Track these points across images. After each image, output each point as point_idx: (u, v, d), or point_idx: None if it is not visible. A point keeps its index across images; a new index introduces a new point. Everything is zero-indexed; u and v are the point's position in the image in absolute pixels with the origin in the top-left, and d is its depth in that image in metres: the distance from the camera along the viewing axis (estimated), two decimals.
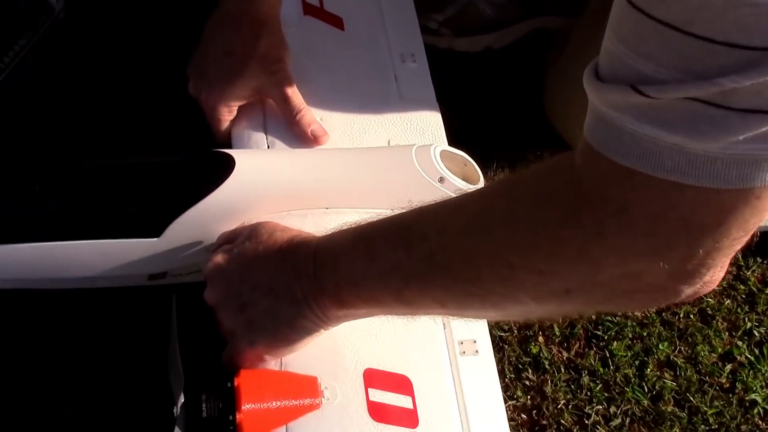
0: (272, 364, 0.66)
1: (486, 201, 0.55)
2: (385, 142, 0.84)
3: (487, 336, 0.73)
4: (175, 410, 0.63)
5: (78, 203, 0.69)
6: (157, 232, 0.70)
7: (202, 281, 0.67)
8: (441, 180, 0.74)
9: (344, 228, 0.63)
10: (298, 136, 0.81)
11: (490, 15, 1.04)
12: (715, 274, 0.46)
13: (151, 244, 0.71)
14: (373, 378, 0.67)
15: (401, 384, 0.67)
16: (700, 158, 0.39)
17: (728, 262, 0.46)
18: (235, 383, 0.63)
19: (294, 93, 0.82)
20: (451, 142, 0.83)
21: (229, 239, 0.69)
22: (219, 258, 0.66)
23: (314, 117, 0.82)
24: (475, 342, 0.72)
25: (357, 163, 0.75)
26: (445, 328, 0.72)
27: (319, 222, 0.73)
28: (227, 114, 0.83)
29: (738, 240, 0.43)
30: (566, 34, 1.01)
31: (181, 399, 0.63)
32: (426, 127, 0.86)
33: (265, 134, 0.82)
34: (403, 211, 0.59)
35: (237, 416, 0.61)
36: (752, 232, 0.44)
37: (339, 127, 0.84)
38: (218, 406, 0.63)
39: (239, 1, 0.84)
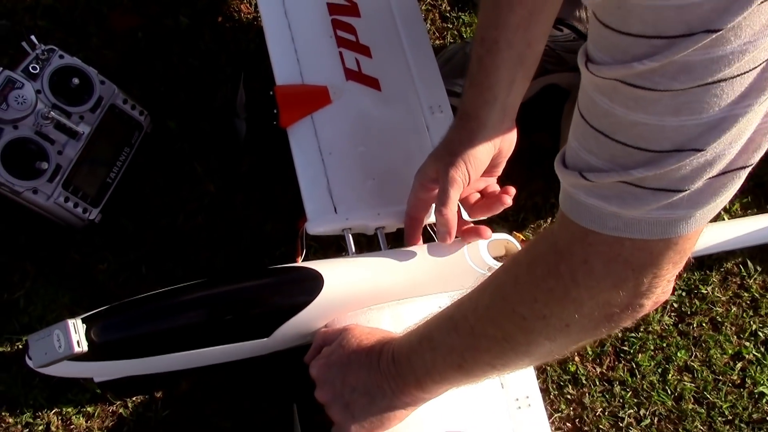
0: None
1: (501, 275, 0.72)
2: None
3: (537, 390, 0.91)
4: None
5: (215, 320, 0.87)
6: (267, 334, 0.89)
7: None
8: (490, 270, 0.91)
9: (410, 330, 0.81)
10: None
11: None
12: (665, 289, 0.62)
13: (264, 342, 0.89)
14: None
15: None
16: (631, 221, 0.55)
17: (673, 280, 0.62)
18: None
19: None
20: None
21: (326, 339, 0.88)
22: (322, 363, 0.85)
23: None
24: (528, 397, 0.90)
25: (420, 263, 0.92)
26: (503, 388, 0.90)
27: (394, 312, 0.91)
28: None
29: (673, 267, 0.59)
30: (578, 88, 1.14)
31: None
32: None
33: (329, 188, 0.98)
34: (449, 305, 0.77)
35: None
36: (684, 261, 0.60)
37: (387, 181, 1.00)
38: None
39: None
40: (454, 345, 0.74)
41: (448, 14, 1.32)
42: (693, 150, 0.50)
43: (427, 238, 0.99)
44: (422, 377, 0.78)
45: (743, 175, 0.53)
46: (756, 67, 0.47)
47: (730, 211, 1.22)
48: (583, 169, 0.56)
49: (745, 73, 0.47)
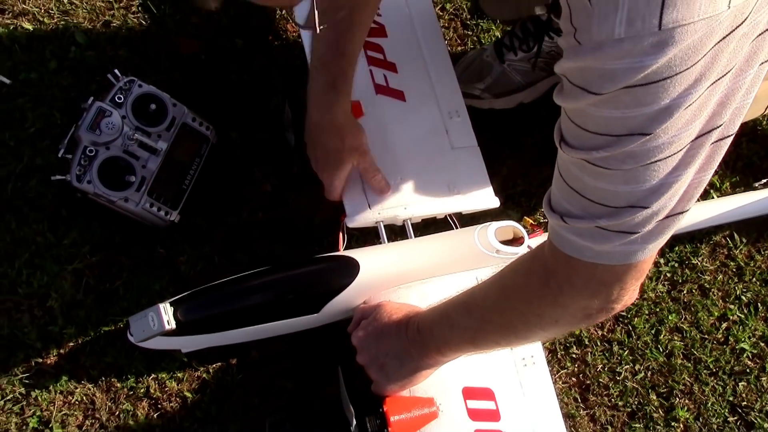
0: (405, 392, 1.06)
1: (504, 278, 0.91)
2: (446, 186, 1.20)
3: (540, 350, 1.11)
4: (351, 429, 1.04)
5: (276, 299, 1.08)
6: (317, 310, 1.10)
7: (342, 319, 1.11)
8: (497, 251, 1.10)
9: (433, 307, 1.01)
10: (373, 188, 1.18)
11: (519, 79, 1.34)
12: (632, 295, 0.80)
13: (314, 317, 1.11)
14: (468, 392, 1.06)
15: (486, 394, 1.07)
16: (601, 252, 0.73)
17: (638, 288, 0.80)
18: (384, 407, 1.03)
19: (371, 163, 1.18)
20: (492, 175, 1.20)
21: (364, 314, 1.08)
22: (361, 333, 1.06)
23: (382, 178, 1.17)
24: (532, 356, 1.10)
25: (440, 248, 1.12)
26: (511, 349, 1.10)
27: (420, 290, 1.11)
28: (339, 183, 1.19)
29: (636, 281, 0.78)
30: None
31: (354, 422, 1.04)
32: (472, 172, 1.23)
33: (363, 190, 1.20)
34: (464, 290, 0.97)
35: (389, 427, 1.02)
36: (644, 275, 0.78)
37: (412, 179, 1.20)
38: (377, 423, 1.04)
39: (321, 113, 1.16)
40: (468, 325, 0.94)
41: (468, 22, 1.49)
42: (641, 207, 0.68)
43: (445, 227, 1.18)
44: (442, 346, 0.98)
45: (682, 217, 0.71)
46: (682, 149, 0.65)
47: (720, 189, 1.38)
48: (563, 214, 0.74)
49: (674, 154, 0.65)
